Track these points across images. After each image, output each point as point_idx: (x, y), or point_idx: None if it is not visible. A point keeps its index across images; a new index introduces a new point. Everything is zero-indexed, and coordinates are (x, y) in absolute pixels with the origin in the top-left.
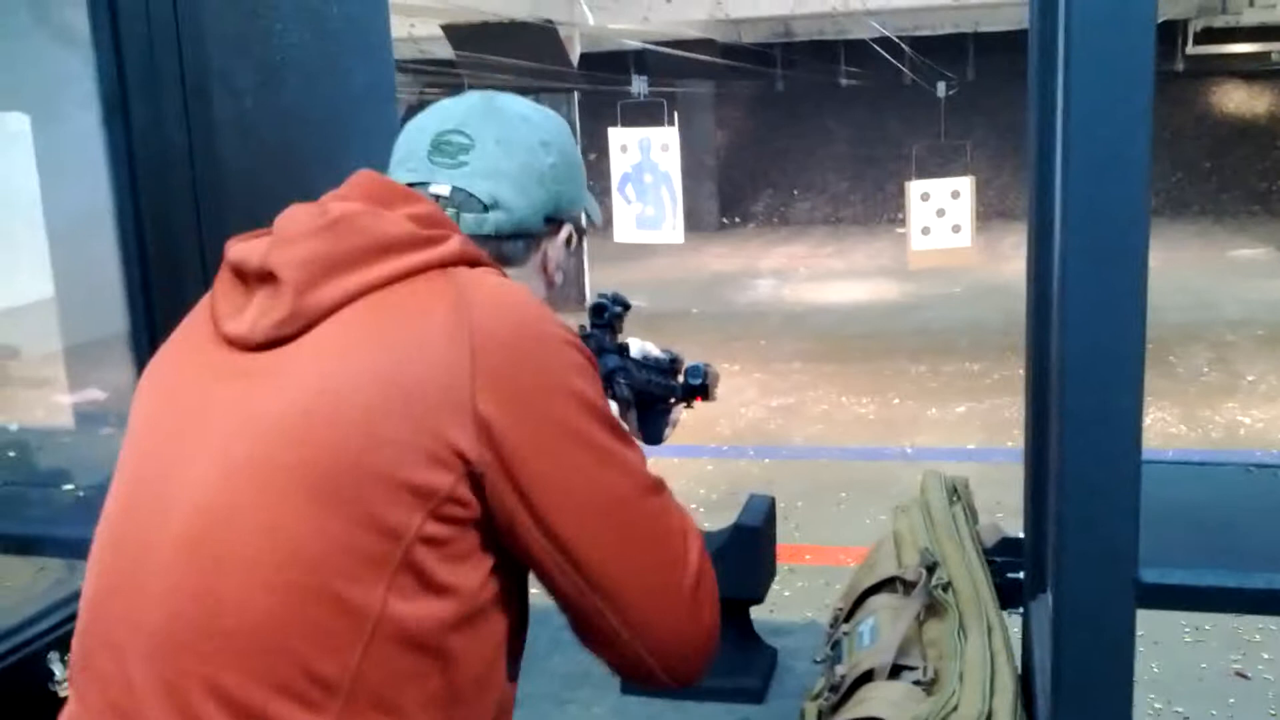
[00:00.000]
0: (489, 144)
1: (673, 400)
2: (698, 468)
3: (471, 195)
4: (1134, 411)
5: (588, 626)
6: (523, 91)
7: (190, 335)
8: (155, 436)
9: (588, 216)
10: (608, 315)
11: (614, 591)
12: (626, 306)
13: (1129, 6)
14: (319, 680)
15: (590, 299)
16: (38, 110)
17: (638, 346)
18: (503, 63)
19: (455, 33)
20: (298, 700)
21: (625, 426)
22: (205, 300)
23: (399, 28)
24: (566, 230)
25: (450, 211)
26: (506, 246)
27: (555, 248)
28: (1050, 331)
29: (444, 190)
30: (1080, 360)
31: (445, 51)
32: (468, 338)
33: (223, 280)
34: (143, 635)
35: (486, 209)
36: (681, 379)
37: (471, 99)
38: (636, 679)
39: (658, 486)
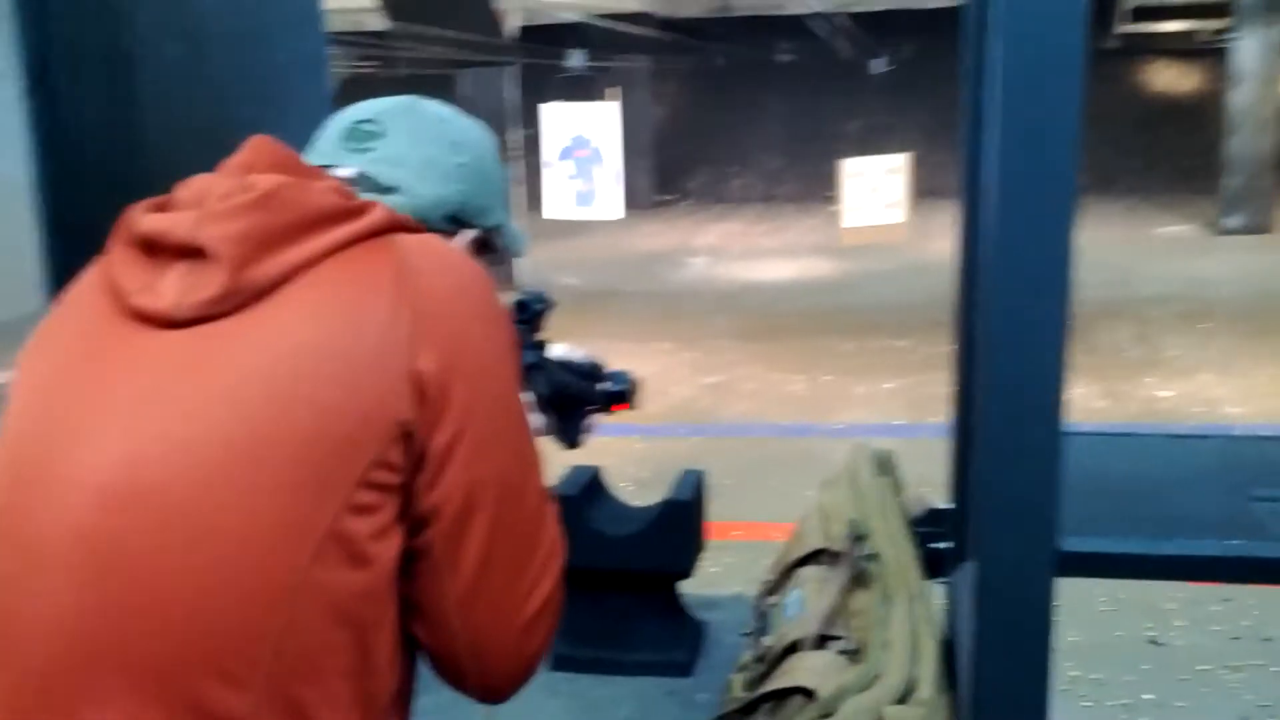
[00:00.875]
0: (399, 135)
1: (593, 407)
2: (628, 446)
3: (373, 179)
4: (1056, 382)
5: (423, 595)
6: (460, 65)
7: (82, 310)
8: (45, 418)
9: (506, 243)
10: (529, 313)
11: (466, 567)
12: (549, 304)
13: None
14: (241, 653)
15: (516, 279)
16: None
17: (560, 349)
18: (439, 35)
19: (390, 3)
20: (224, 678)
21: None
22: (97, 273)
23: None
24: (468, 237)
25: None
26: None
27: None
28: (978, 305)
29: (348, 173)
30: (1005, 331)
31: (380, 23)
32: (410, 304)
33: (121, 252)
34: (44, 628)
35: (386, 192)
36: (604, 386)
37: (398, 98)
38: (449, 678)
39: (550, 496)
